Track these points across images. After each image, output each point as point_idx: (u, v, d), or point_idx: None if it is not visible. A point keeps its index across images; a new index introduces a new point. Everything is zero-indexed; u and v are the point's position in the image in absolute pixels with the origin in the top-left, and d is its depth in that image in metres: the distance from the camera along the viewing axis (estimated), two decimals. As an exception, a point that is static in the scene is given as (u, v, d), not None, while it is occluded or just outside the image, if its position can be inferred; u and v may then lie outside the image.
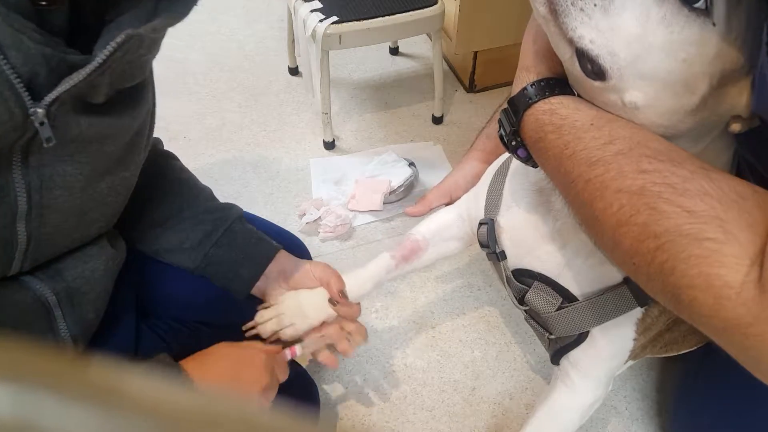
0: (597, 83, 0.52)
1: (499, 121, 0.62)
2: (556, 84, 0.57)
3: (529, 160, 0.61)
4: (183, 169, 0.81)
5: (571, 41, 0.50)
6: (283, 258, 0.78)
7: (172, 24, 0.54)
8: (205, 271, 0.75)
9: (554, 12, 0.49)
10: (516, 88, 0.59)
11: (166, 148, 0.83)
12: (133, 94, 0.59)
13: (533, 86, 0.57)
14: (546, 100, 0.56)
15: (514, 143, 0.60)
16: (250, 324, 0.76)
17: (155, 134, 0.84)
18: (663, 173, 0.46)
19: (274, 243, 0.79)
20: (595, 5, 0.48)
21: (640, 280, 0.49)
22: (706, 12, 0.47)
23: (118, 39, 0.49)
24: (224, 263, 0.75)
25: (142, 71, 0.59)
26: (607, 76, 0.50)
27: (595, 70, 0.51)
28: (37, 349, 0.14)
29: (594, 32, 0.49)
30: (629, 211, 0.47)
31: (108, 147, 0.58)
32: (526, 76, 0.59)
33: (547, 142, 0.55)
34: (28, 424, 0.12)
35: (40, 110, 0.48)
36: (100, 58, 0.49)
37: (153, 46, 0.58)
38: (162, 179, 0.77)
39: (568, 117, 0.54)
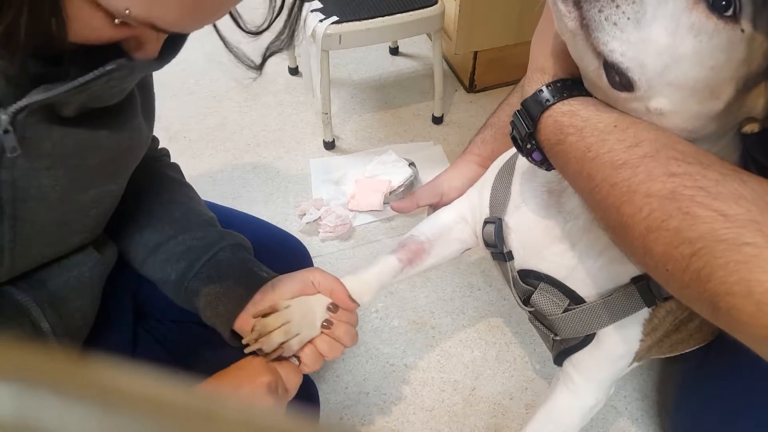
0: (624, 94, 0.51)
1: (512, 123, 0.60)
2: (573, 85, 0.56)
3: (543, 163, 0.60)
4: (192, 198, 0.78)
5: (599, 54, 0.49)
6: (278, 280, 0.71)
7: (159, 68, 0.55)
8: (190, 304, 0.70)
9: (585, 27, 0.48)
10: (529, 90, 0.58)
11: (165, 148, 0.83)
12: (110, 113, 0.57)
13: (549, 87, 0.56)
14: (565, 102, 0.55)
15: (529, 146, 0.59)
16: (252, 336, 0.64)
17: (168, 148, 0.83)
18: (693, 176, 0.45)
19: (264, 275, 0.71)
20: (628, 18, 0.47)
21: (674, 288, 0.47)
22: (735, 18, 0.46)
23: (108, 67, 0.48)
24: (205, 296, 0.69)
25: (121, 94, 0.57)
26: (636, 88, 0.50)
27: (623, 82, 0.50)
28: (37, 349, 0.14)
29: (625, 45, 0.48)
30: (660, 216, 0.45)
31: (90, 161, 0.56)
32: (540, 78, 0.57)
33: (567, 145, 0.53)
34: (28, 424, 0.12)
35: (4, 116, 0.47)
36: (83, 79, 0.48)
37: (136, 79, 0.58)
38: (169, 209, 0.74)
39: (590, 119, 0.52)
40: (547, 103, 0.55)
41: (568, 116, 0.54)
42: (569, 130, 0.53)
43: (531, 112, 0.57)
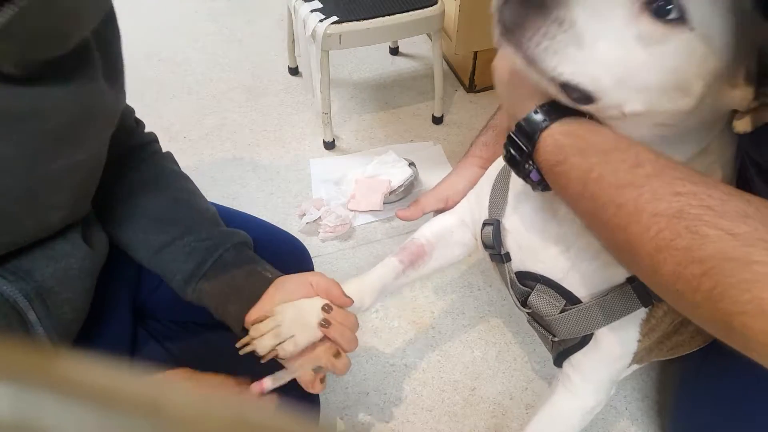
0: (588, 107, 0.52)
1: (505, 146, 0.60)
2: (567, 106, 0.56)
3: (540, 183, 0.60)
4: (194, 192, 0.78)
5: (552, 79, 0.51)
6: (279, 282, 0.72)
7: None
8: (201, 303, 0.71)
9: (530, 60, 0.50)
10: (519, 113, 0.58)
11: (166, 148, 0.83)
12: (62, 72, 0.54)
13: (543, 108, 0.56)
14: (562, 122, 0.55)
15: (527, 166, 0.59)
16: (244, 340, 0.67)
17: (168, 148, 0.82)
18: (699, 195, 0.45)
19: (268, 275, 0.72)
20: (566, 45, 0.48)
21: (685, 307, 0.47)
22: (682, 20, 0.47)
23: (23, 3, 0.44)
24: (213, 296, 0.70)
25: (62, 43, 0.52)
26: (595, 99, 0.51)
27: (581, 97, 0.51)
28: (35, 349, 0.14)
29: (572, 65, 0.49)
30: (669, 236, 0.45)
31: (47, 125, 0.54)
32: (530, 101, 0.58)
33: (568, 166, 0.53)
34: (27, 424, 0.12)
35: None
36: None
37: (75, 15, 0.52)
38: (173, 209, 0.74)
39: (589, 139, 0.53)
40: (545, 124, 0.55)
41: (567, 136, 0.54)
42: (570, 150, 0.53)
43: (528, 133, 0.57)
